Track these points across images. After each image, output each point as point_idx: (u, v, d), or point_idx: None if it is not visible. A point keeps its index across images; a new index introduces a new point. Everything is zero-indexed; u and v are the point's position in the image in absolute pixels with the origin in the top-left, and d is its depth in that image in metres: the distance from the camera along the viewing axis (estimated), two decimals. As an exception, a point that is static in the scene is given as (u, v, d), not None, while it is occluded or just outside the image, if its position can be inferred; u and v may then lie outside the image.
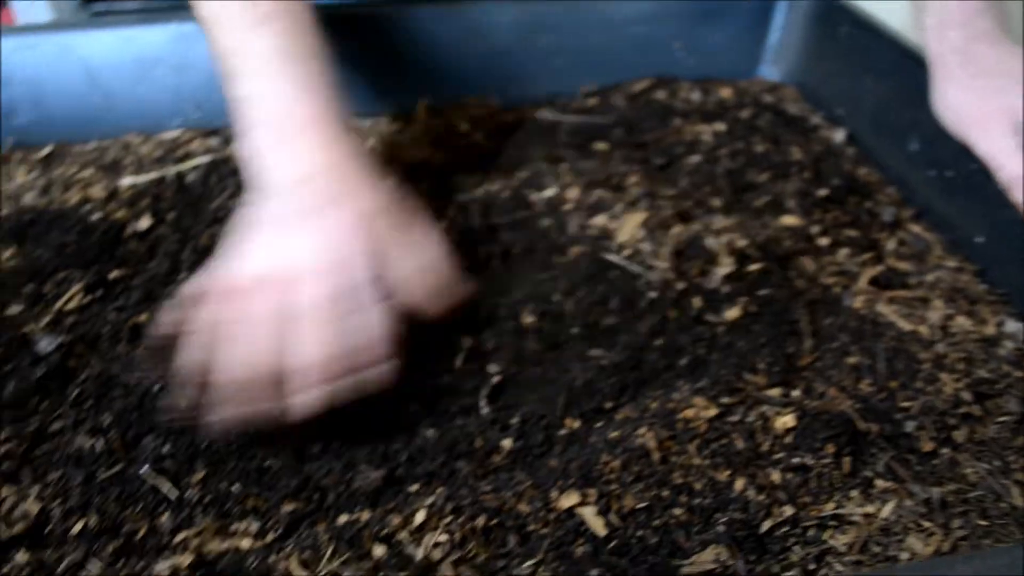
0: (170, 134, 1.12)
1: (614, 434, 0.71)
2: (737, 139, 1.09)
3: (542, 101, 1.20)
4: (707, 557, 0.63)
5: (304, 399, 0.67)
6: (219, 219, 0.96)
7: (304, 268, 0.70)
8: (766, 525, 0.65)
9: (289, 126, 0.77)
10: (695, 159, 1.04)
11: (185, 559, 0.62)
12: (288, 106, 0.77)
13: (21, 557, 0.64)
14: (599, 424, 0.73)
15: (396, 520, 0.64)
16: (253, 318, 0.69)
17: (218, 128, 1.13)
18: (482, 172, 1.03)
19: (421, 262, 0.74)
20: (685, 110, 1.15)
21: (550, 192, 0.96)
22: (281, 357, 0.67)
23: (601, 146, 1.08)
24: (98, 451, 0.73)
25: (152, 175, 1.04)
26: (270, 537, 0.65)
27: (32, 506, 0.67)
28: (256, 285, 0.70)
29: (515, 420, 0.74)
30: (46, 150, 1.11)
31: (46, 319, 0.85)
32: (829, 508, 0.66)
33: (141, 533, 0.65)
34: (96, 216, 0.97)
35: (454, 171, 1.03)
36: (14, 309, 0.86)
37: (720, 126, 1.12)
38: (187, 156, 1.07)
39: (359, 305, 0.69)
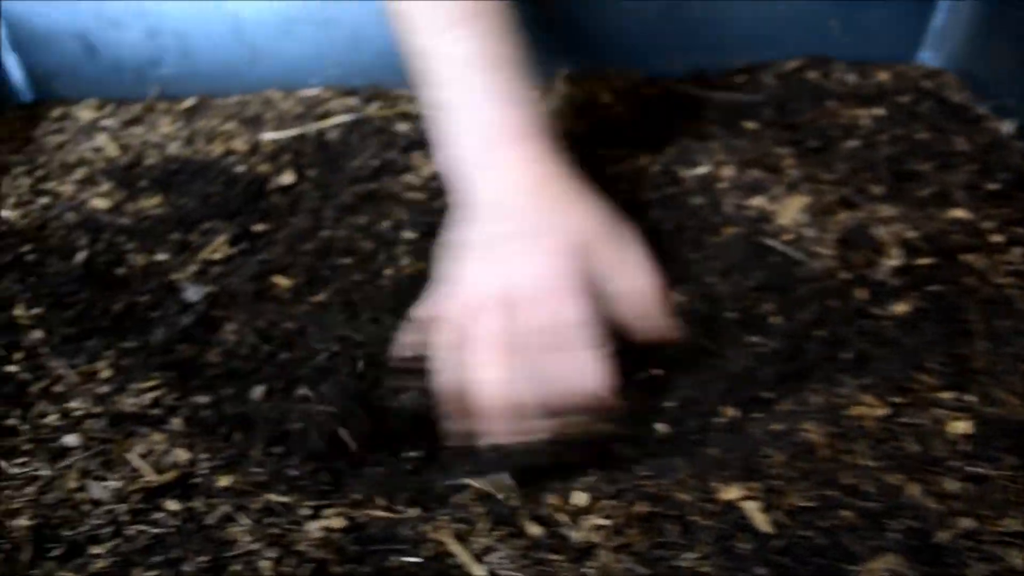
0: (310, 91, 1.12)
1: (776, 426, 0.67)
2: (897, 125, 1.03)
3: (686, 76, 1.15)
4: (879, 565, 0.58)
5: (540, 430, 0.66)
6: (359, 178, 0.95)
7: (521, 292, 0.68)
8: (942, 536, 0.60)
9: (493, 140, 0.74)
10: (853, 144, 0.99)
11: (336, 522, 0.61)
12: (490, 118, 0.74)
13: (171, 505, 0.64)
14: (758, 414, 0.69)
15: (553, 500, 0.62)
16: (484, 341, 0.68)
17: (357, 88, 1.12)
18: (628, 146, 0.99)
19: (636, 286, 0.72)
20: (840, 92, 1.10)
21: (702, 169, 0.92)
22: (512, 384, 0.66)
23: (751, 125, 1.03)
24: (248, 405, 0.73)
25: (293, 131, 1.03)
26: (422, 508, 0.63)
27: (181, 454, 0.67)
28: (480, 306, 0.69)
29: (670, 404, 0.71)
30: (190, 101, 1.11)
31: (192, 268, 0.85)
32: (1011, 524, 0.61)
33: (292, 497, 0.65)
34: (239, 169, 0.97)
35: (598, 143, 1.00)
36: (161, 256, 0.87)
37: (879, 111, 1.06)
38: (327, 114, 1.06)
39: (571, 342, 0.67)
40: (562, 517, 0.61)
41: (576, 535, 0.60)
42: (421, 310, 0.72)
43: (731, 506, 0.62)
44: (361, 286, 0.83)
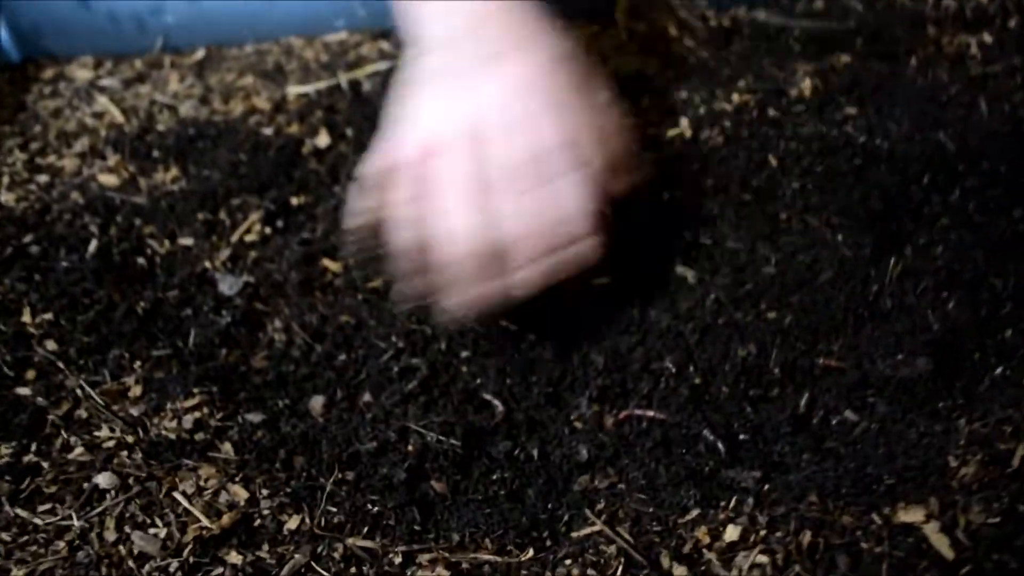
0: (336, 36, 0.98)
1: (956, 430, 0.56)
2: (1012, 53, 0.90)
3: (758, 2, 1.01)
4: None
5: (524, 276, 0.59)
6: (407, 137, 0.82)
7: (491, 123, 0.59)
8: None
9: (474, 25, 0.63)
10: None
11: (439, 573, 0.51)
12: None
13: (233, 557, 0.53)
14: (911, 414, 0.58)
15: (700, 533, 0.51)
16: (451, 186, 0.59)
17: (388, 30, 0.98)
18: (706, 86, 0.86)
19: (604, 125, 0.62)
20: (938, 17, 0.96)
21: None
22: (489, 230, 0.58)
23: (844, 58, 0.90)
24: (307, 422, 0.62)
25: (322, 83, 0.90)
26: (537, 548, 0.52)
27: (237, 491, 0.56)
28: (443, 146, 0.60)
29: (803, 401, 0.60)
30: (199, 54, 0.98)
31: (225, 253, 0.73)
32: None
33: (378, 541, 0.54)
34: (266, 131, 0.84)
35: (673, 84, 0.87)
36: (187, 240, 0.75)
37: (986, 37, 0.93)
38: (359, 62, 0.93)
39: (555, 170, 0.59)
40: (711, 555, 0.51)
41: (731, 578, 0.49)
42: (371, 162, 0.62)
43: (907, 529, 0.52)
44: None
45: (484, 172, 0.59)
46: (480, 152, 0.59)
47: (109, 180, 0.81)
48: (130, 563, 0.53)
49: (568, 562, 0.51)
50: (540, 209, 0.58)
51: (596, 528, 0.53)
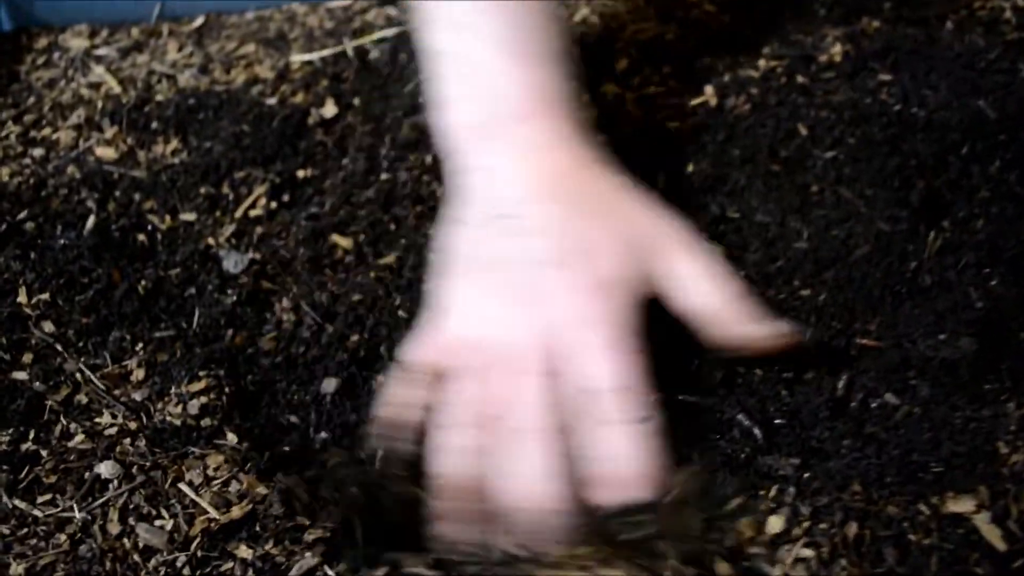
0: (340, 2, 0.94)
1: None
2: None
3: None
4: None
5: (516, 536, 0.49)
6: (417, 106, 0.79)
7: (524, 351, 0.51)
8: None
9: (502, 110, 0.56)
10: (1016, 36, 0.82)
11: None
12: (500, 80, 0.57)
13: (244, 551, 0.50)
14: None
15: (744, 528, 0.48)
16: (461, 411, 0.52)
17: (396, -6, 0.94)
18: (729, 53, 0.82)
19: (714, 302, 0.54)
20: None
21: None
22: (491, 477, 0.50)
23: (875, 23, 0.86)
24: (320, 406, 0.59)
25: (327, 51, 0.86)
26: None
27: (247, 481, 0.53)
28: (465, 360, 0.53)
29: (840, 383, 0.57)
30: (198, 21, 0.94)
31: (229, 229, 0.70)
32: None
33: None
34: (270, 101, 0.81)
35: (696, 52, 0.83)
36: (189, 215, 0.71)
37: (1020, 0, 0.89)
38: (365, 29, 0.89)
39: (604, 418, 0.50)
40: (756, 549, 0.48)
41: (776, 573, 0.47)
42: (414, 350, 0.55)
43: (956, 519, 0.49)
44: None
45: (504, 407, 0.51)
46: (504, 378, 0.51)
47: (107, 153, 0.77)
48: (135, 557, 0.50)
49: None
50: (561, 470, 0.49)
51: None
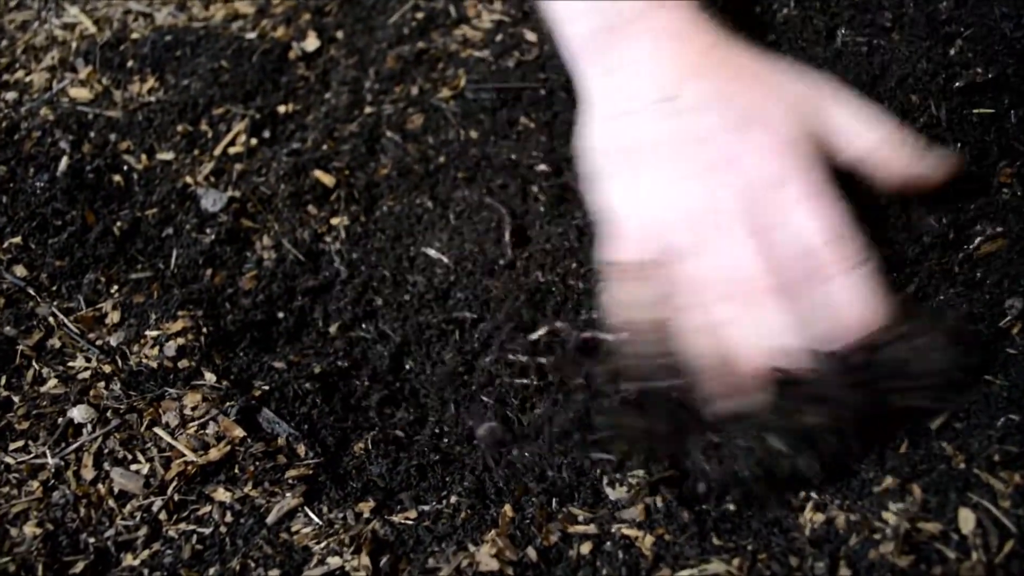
0: (322, -68, 0.90)
1: None
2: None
3: None
4: None
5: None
6: (402, 37, 0.75)
7: (729, 219, 0.50)
8: None
9: (628, 8, 0.54)
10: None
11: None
12: None
13: (221, 494, 0.48)
14: None
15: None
16: (691, 289, 0.50)
17: (379, -77, 0.90)
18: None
19: (878, 137, 0.52)
20: None
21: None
22: (738, 346, 0.48)
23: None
24: (301, 346, 0.56)
25: (309, -17, 0.83)
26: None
27: (226, 423, 0.51)
28: (671, 242, 0.51)
29: None
30: (176, -43, 0.90)
31: (208, 167, 0.67)
32: None
33: (389, 480, 0.49)
34: (250, 36, 0.77)
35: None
36: (167, 154, 0.69)
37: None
38: (348, -41, 0.85)
39: (829, 269, 0.49)
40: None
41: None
42: (608, 253, 0.53)
43: None
44: (425, 178, 0.65)
45: (721, 283, 0.50)
46: (714, 255, 0.50)
47: (81, 94, 0.74)
48: (110, 503, 0.49)
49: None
50: (814, 311, 0.48)
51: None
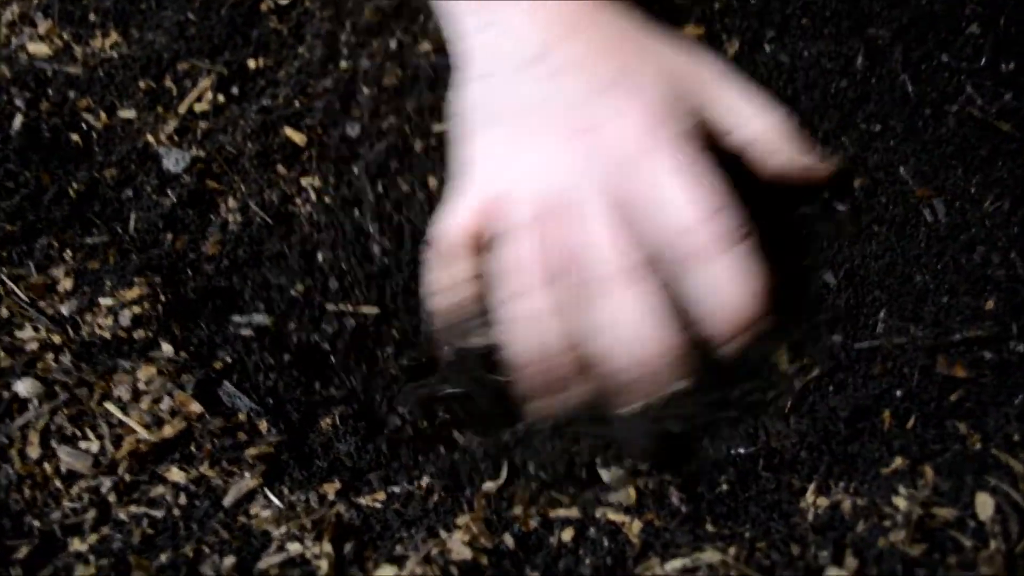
0: None
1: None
2: None
3: None
4: None
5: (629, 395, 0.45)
6: (382, -12, 0.71)
7: (583, 193, 0.46)
8: None
9: None
10: None
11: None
12: None
13: (175, 474, 0.44)
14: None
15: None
16: (523, 273, 0.46)
17: None
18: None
19: (764, 125, 0.50)
20: None
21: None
22: (578, 338, 0.45)
23: None
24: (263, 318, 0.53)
25: (284, -67, 0.78)
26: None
27: (182, 398, 0.47)
28: (512, 217, 0.47)
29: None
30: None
31: (171, 126, 0.63)
32: None
33: (351, 460, 0.45)
34: (219, -13, 0.73)
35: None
36: (128, 113, 0.64)
37: None
38: (325, -93, 0.81)
39: (701, 252, 0.45)
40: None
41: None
42: (443, 225, 0.50)
43: None
44: (402, 139, 0.61)
45: (575, 259, 0.46)
46: (569, 230, 0.46)
47: (40, 49, 0.70)
48: (57, 483, 0.45)
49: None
50: (660, 310, 0.45)
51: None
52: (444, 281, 0.49)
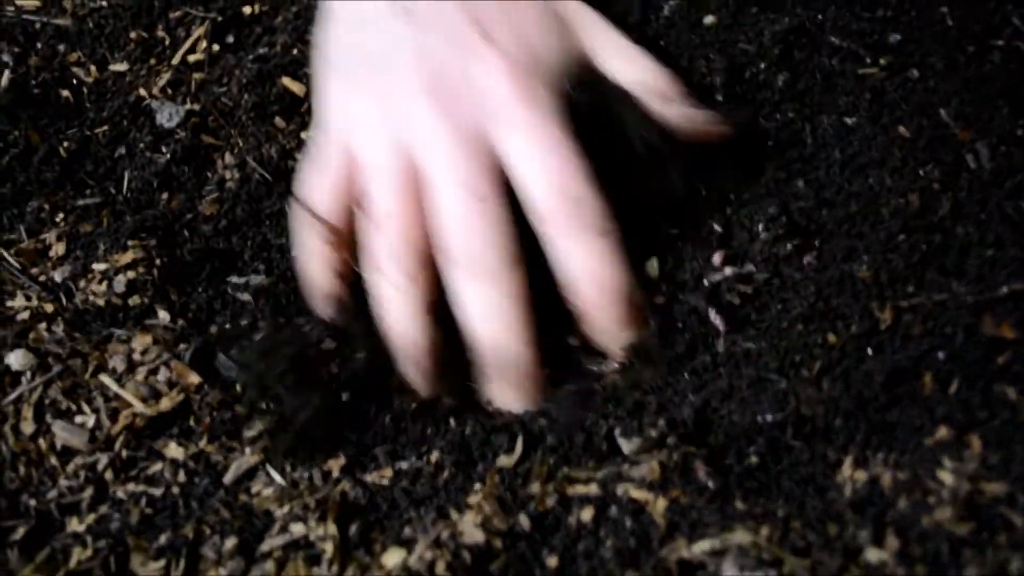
0: None
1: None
2: None
3: None
4: None
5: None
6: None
7: (448, 156, 0.43)
8: None
9: None
10: None
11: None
12: None
13: (173, 450, 0.42)
14: None
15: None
16: (392, 246, 0.44)
17: None
18: None
19: (641, 72, 0.47)
20: None
21: None
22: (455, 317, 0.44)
23: None
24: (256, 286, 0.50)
25: None
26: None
27: (180, 369, 0.45)
28: (378, 181, 0.45)
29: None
30: None
31: (164, 78, 0.60)
32: None
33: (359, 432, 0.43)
34: (211, -74, 0.69)
35: None
36: (120, 65, 0.61)
37: None
38: None
39: (564, 232, 0.43)
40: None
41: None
42: (304, 185, 0.48)
43: None
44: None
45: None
46: (458, 196, 0.43)
47: (27, 2, 0.67)
48: (52, 460, 0.43)
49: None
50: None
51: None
52: (309, 245, 0.47)
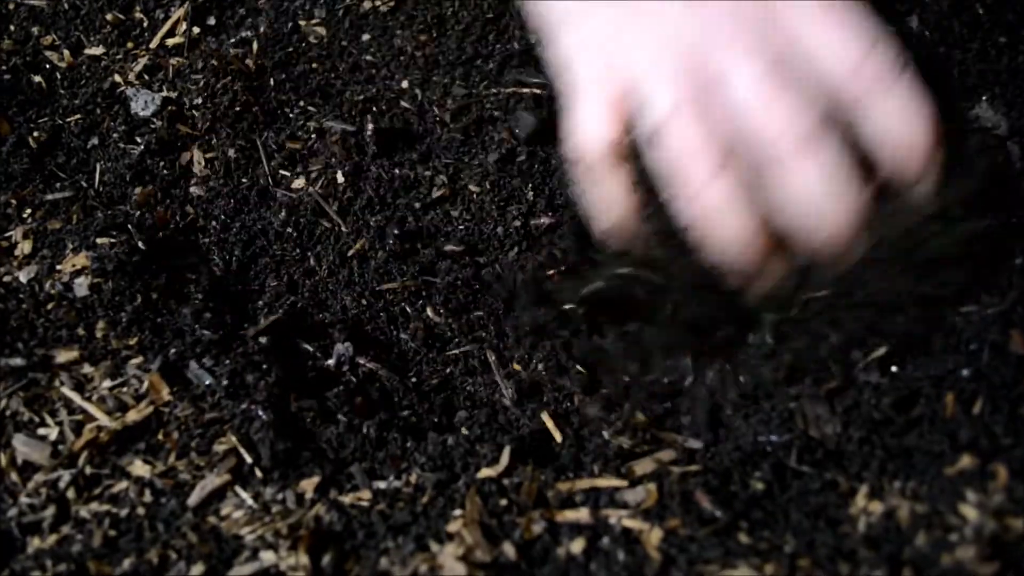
0: None
1: None
2: None
3: None
4: None
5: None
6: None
7: (735, 56, 0.40)
8: None
9: None
10: None
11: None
12: None
13: (138, 467, 0.40)
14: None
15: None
16: (701, 170, 0.40)
17: None
18: None
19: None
20: None
21: None
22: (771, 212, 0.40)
23: None
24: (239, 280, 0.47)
25: None
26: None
27: (149, 380, 0.42)
28: (663, 98, 0.41)
29: None
30: None
31: (141, 63, 0.57)
32: None
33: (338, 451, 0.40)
34: (194, -96, 0.66)
35: None
36: (95, 49, 0.58)
37: None
38: None
39: (865, 87, 0.40)
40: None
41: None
42: (577, 141, 0.44)
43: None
44: (387, 78, 0.55)
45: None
46: (762, 85, 0.41)
47: (2, -20, 0.64)
48: (13, 475, 0.40)
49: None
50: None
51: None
52: (604, 200, 0.44)
